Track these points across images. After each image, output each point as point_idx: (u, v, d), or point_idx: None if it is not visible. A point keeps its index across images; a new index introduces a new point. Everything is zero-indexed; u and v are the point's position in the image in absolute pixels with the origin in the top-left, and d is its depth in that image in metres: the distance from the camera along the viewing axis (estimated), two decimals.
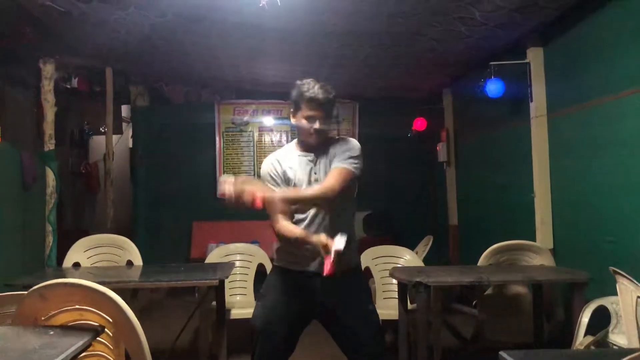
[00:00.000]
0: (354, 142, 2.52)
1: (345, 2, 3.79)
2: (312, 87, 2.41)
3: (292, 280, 2.48)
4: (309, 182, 2.44)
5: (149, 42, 4.88)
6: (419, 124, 6.76)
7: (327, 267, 2.12)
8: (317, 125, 2.41)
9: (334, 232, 2.30)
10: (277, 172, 2.48)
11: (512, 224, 5.06)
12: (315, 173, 2.45)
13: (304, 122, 2.43)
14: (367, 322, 2.48)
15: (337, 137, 2.58)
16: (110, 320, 1.79)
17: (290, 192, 2.40)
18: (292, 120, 2.49)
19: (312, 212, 2.43)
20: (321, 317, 2.52)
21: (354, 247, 2.55)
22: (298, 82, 2.49)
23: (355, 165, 2.41)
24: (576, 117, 4.05)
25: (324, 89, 2.41)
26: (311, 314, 2.50)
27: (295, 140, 2.60)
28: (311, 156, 2.48)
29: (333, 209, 2.43)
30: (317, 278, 2.40)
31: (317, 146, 2.49)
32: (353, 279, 2.51)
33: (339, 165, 2.39)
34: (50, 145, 4.90)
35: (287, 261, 2.51)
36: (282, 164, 2.49)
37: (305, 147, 2.52)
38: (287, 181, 2.46)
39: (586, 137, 3.92)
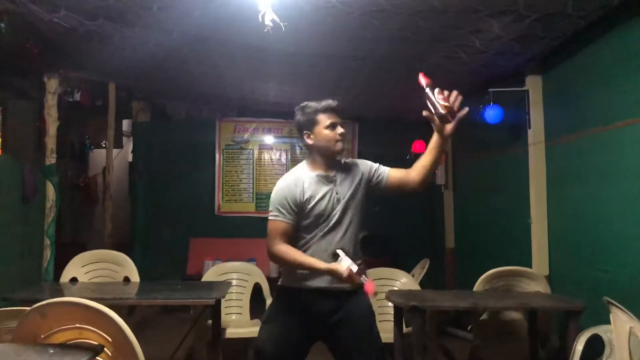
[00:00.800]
0: (365, 160, 2.64)
1: (346, 28, 3.85)
2: (322, 100, 2.49)
3: (300, 301, 2.46)
4: (330, 202, 2.45)
5: (153, 59, 4.94)
6: (418, 146, 6.79)
7: (370, 287, 2.24)
8: (341, 129, 2.48)
9: (353, 249, 2.48)
10: (294, 201, 2.42)
11: (509, 249, 5.08)
12: (337, 193, 2.47)
13: (327, 132, 2.47)
14: (371, 345, 2.49)
15: (347, 159, 2.64)
16: (110, 339, 1.80)
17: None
18: (309, 140, 2.50)
19: (330, 225, 2.45)
20: (326, 337, 2.52)
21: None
22: (301, 105, 2.54)
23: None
24: (574, 145, 4.09)
25: (332, 99, 2.51)
26: (318, 335, 2.51)
27: (305, 162, 2.58)
28: (330, 177, 2.50)
29: (356, 224, 2.53)
30: (326, 296, 2.43)
31: (331, 164, 2.52)
32: (360, 300, 2.51)
33: (392, 168, 2.60)
34: (51, 159, 4.93)
35: (296, 279, 2.47)
36: (300, 189, 2.45)
37: (322, 165, 2.52)
38: (302, 206, 2.43)
39: (583, 166, 3.96)
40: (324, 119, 2.47)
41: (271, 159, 7.40)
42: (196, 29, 4.11)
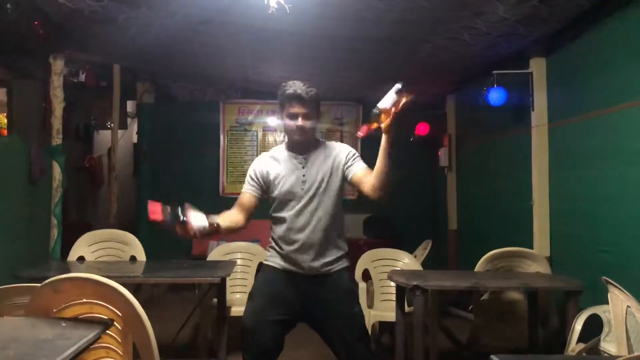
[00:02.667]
0: (347, 146, 2.62)
1: (351, 9, 3.85)
2: (293, 85, 2.50)
3: (280, 280, 2.53)
4: (296, 183, 2.50)
5: (157, 40, 4.94)
6: (422, 128, 6.81)
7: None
8: (299, 121, 2.47)
9: (324, 234, 2.46)
10: (262, 174, 2.56)
11: (510, 230, 5.13)
12: (303, 175, 2.50)
13: (287, 120, 2.51)
14: (353, 325, 2.52)
15: (324, 141, 2.65)
16: (120, 314, 1.86)
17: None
18: (279, 121, 2.60)
19: (296, 208, 2.49)
20: (308, 319, 2.57)
21: (341, 252, 2.59)
22: (281, 83, 2.57)
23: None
24: (576, 127, 4.11)
25: (305, 86, 2.49)
26: (298, 315, 2.54)
27: (285, 142, 2.66)
28: (300, 158, 2.55)
29: (326, 208, 2.50)
30: (304, 279, 2.50)
31: (306, 147, 2.55)
32: (338, 281, 2.54)
33: (364, 166, 2.53)
34: (57, 139, 4.95)
35: (276, 260, 2.56)
36: (270, 166, 2.56)
37: (294, 147, 2.58)
38: (268, 183, 2.54)
39: (586, 148, 3.98)
40: (287, 107, 2.50)
41: (275, 141, 7.43)
42: (200, 10, 4.12)
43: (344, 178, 2.55)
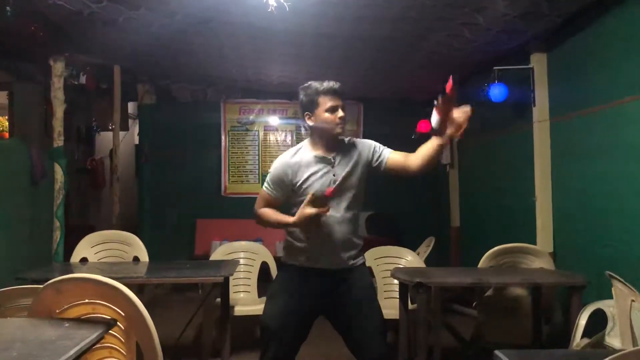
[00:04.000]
0: (368, 141, 2.63)
1: (351, 8, 3.85)
2: (324, 82, 2.49)
3: (302, 278, 2.52)
4: (327, 183, 2.47)
5: (157, 41, 4.95)
6: (423, 125, 6.79)
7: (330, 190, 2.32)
8: (341, 113, 2.47)
9: (348, 228, 2.47)
10: (289, 180, 2.49)
11: (513, 227, 5.12)
12: (334, 175, 2.48)
13: (327, 115, 2.47)
14: (373, 320, 2.53)
15: (350, 139, 2.63)
16: (122, 314, 1.86)
17: None
18: (310, 122, 2.52)
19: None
20: (328, 313, 2.57)
21: (360, 246, 2.61)
22: (303, 85, 2.55)
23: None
24: (578, 122, 4.10)
25: (334, 81, 2.51)
26: (320, 310, 2.56)
27: (307, 141, 2.60)
28: (329, 158, 2.51)
29: (352, 203, 2.51)
30: (327, 274, 2.49)
31: (334, 145, 2.53)
32: (360, 276, 2.57)
33: (392, 151, 2.59)
34: (59, 141, 4.97)
35: (297, 258, 2.54)
36: (299, 172, 2.49)
37: (323, 146, 2.54)
38: (295, 186, 2.48)
39: (587, 143, 3.98)
40: (325, 102, 2.47)
41: (277, 140, 7.43)
42: (200, 10, 4.12)
43: (376, 169, 2.58)
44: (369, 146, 2.59)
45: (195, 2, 3.96)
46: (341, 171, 2.49)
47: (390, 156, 2.56)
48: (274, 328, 2.48)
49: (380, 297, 4.30)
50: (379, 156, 2.57)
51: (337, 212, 2.48)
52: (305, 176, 2.48)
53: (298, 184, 2.48)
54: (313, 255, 2.50)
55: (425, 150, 2.50)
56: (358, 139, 2.66)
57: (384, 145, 2.64)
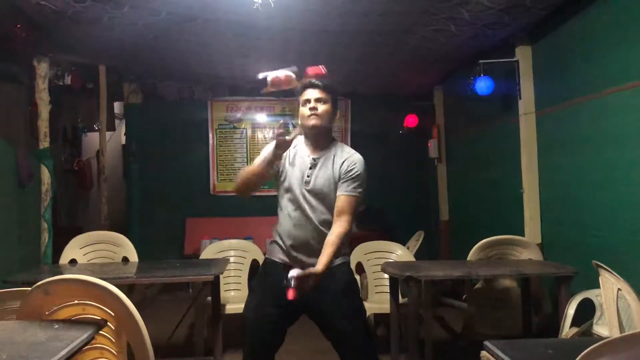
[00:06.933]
0: (359, 161, 2.51)
1: (336, 2, 3.85)
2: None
3: (281, 274, 2.48)
4: (301, 181, 2.48)
5: (142, 40, 4.92)
6: (411, 120, 6.83)
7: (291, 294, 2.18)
8: (312, 104, 2.46)
9: (318, 232, 2.45)
10: (284, 159, 2.54)
11: (502, 219, 5.16)
12: (308, 176, 2.48)
13: (301, 108, 2.50)
14: (353, 320, 2.50)
15: (341, 145, 2.59)
16: (112, 314, 1.85)
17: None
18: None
19: (294, 205, 2.49)
20: (309, 312, 2.56)
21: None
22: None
23: (360, 191, 2.47)
24: (563, 114, 4.14)
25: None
26: (299, 309, 2.51)
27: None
28: (311, 159, 2.51)
29: (323, 209, 2.50)
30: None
31: (319, 146, 2.52)
32: (338, 275, 2.51)
33: (348, 195, 2.44)
34: (45, 143, 4.92)
35: (278, 254, 2.56)
36: (288, 156, 2.53)
37: (308, 144, 2.55)
38: (280, 170, 2.53)
39: (573, 134, 4.01)
40: (303, 95, 2.50)
41: (265, 138, 7.41)
42: (185, 8, 4.10)
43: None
44: (348, 164, 2.49)
45: (179, 0, 3.94)
46: (317, 175, 2.48)
47: (341, 197, 2.46)
48: (252, 321, 2.52)
49: (371, 292, 4.32)
50: (341, 184, 2.47)
51: (307, 217, 2.48)
52: (287, 166, 2.52)
53: (281, 169, 2.53)
54: (289, 254, 2.51)
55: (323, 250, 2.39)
56: (349, 151, 2.58)
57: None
